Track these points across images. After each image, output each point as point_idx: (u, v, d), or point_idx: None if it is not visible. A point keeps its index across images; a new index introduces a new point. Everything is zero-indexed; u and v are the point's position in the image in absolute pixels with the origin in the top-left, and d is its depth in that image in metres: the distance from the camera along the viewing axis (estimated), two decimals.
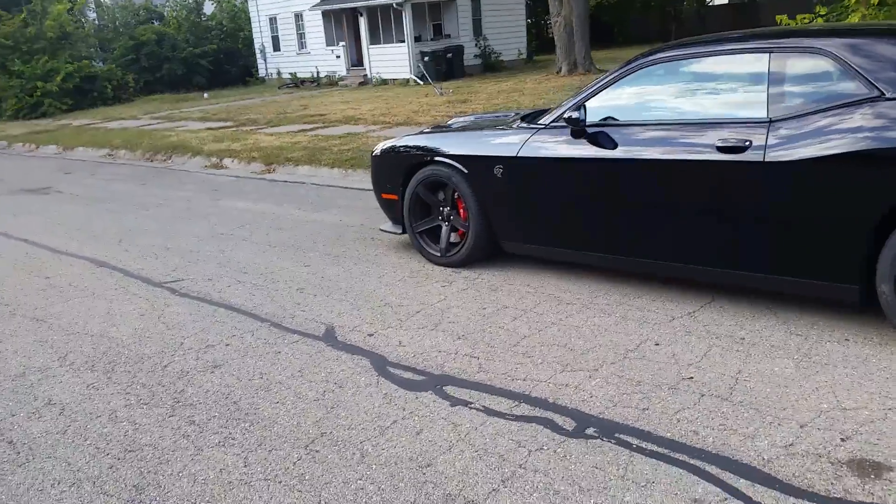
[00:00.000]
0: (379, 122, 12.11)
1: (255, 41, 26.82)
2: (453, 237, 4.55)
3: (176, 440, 2.70)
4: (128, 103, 22.68)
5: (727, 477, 2.19)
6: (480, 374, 3.05)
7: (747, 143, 3.14)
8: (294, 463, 2.49)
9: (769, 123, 3.12)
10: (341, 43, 23.62)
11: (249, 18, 27.21)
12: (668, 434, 2.46)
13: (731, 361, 2.95)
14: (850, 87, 2.98)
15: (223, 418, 2.84)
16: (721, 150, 3.21)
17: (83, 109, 21.75)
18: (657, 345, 3.18)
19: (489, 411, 2.73)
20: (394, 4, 21.17)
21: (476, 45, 23.31)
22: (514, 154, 4.03)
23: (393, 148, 4.80)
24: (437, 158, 4.40)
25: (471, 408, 2.77)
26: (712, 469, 2.24)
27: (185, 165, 10.44)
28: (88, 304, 4.33)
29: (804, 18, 8.54)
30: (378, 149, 4.97)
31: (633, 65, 3.72)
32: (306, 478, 2.39)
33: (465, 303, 3.90)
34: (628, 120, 3.67)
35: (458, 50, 22.01)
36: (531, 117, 4.36)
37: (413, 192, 4.56)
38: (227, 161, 10.07)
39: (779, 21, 8.81)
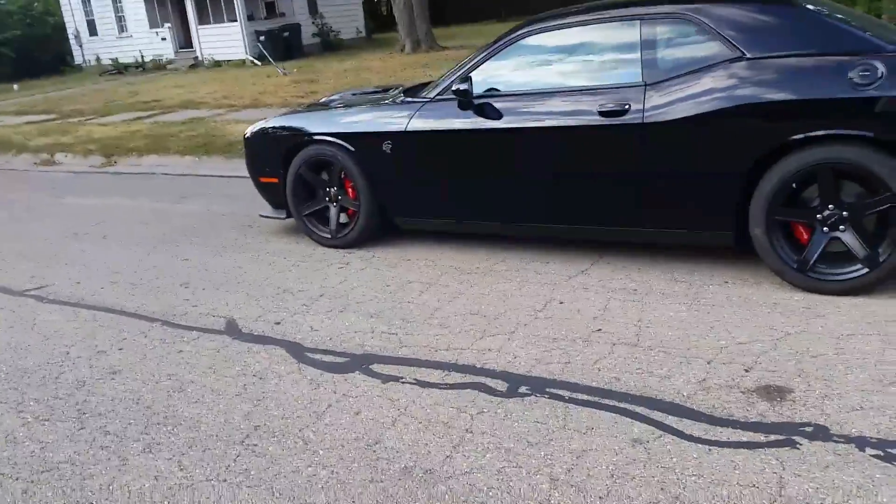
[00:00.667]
0: (223, 106, 11.50)
1: (68, 26, 24.12)
2: (342, 217, 4.46)
3: (94, 453, 2.45)
4: None
5: (656, 416, 2.40)
6: (403, 349, 3.06)
7: (626, 107, 3.35)
8: (234, 460, 2.36)
9: (645, 87, 3.33)
10: (167, 24, 21.94)
11: (58, 1, 24.41)
12: (594, 383, 2.64)
13: (630, 311, 3.20)
14: (715, 49, 3.22)
15: (140, 424, 2.62)
16: (602, 114, 3.40)
17: None
18: (561, 303, 3.37)
19: (422, 383, 2.76)
20: None
21: (313, 23, 22.69)
22: (402, 129, 4.00)
23: (267, 129, 4.60)
24: (318, 138, 4.29)
25: (403, 382, 2.78)
26: (641, 410, 2.44)
27: (9, 164, 9.26)
28: None
29: None
30: (250, 131, 4.75)
31: (512, 36, 3.81)
32: (252, 473, 2.29)
33: (367, 282, 3.87)
34: (512, 90, 3.75)
35: (296, 29, 21.30)
36: (413, 91, 4.37)
37: (296, 173, 4.41)
38: (59, 156, 9.09)
39: None
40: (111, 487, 2.27)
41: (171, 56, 21.79)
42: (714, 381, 2.57)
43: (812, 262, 3.13)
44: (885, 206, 2.96)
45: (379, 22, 30.08)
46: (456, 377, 2.78)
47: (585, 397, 2.55)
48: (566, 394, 2.58)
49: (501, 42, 3.85)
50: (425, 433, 2.42)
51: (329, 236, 4.46)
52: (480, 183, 3.90)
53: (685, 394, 2.51)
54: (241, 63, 20.12)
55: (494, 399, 2.60)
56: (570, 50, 3.72)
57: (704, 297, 3.28)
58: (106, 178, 7.73)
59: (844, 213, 3.06)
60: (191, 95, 13.21)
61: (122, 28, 23.00)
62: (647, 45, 3.39)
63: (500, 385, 2.69)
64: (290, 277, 4.05)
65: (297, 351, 3.13)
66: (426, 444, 2.37)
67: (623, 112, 3.35)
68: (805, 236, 3.19)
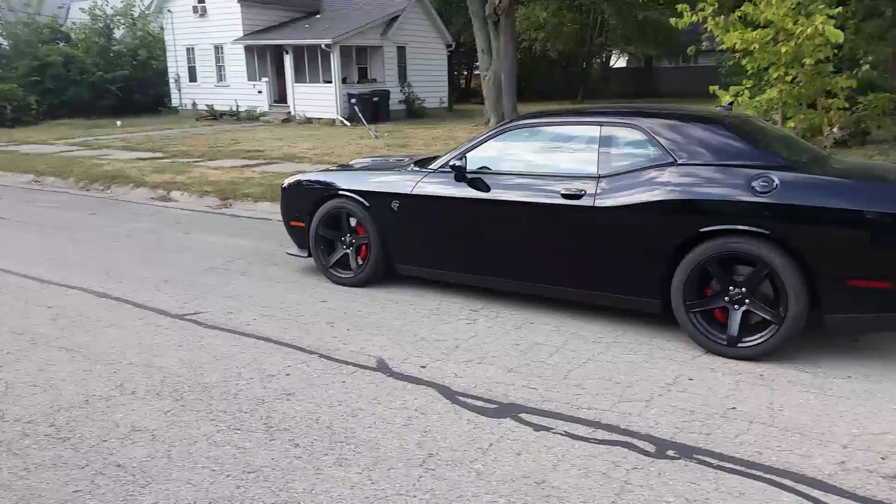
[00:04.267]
0: (324, 161, 12.25)
1: (170, 70, 26.18)
2: (358, 260, 5.30)
3: (290, 461, 2.82)
4: (31, 127, 21.41)
5: (803, 489, 2.64)
6: (546, 403, 3.38)
7: (583, 192, 4.20)
8: (418, 479, 2.69)
9: (598, 178, 4.19)
10: (264, 78, 23.56)
11: (164, 46, 26.59)
12: (737, 454, 2.89)
13: (761, 395, 3.45)
14: (654, 153, 4.10)
15: (325, 441, 2.99)
16: (564, 196, 4.26)
17: None
18: (691, 380, 3.64)
19: (572, 436, 3.06)
20: (322, 45, 21.55)
21: (401, 90, 24.03)
22: (408, 192, 4.91)
23: (302, 181, 5.60)
24: (341, 192, 5.22)
25: (554, 433, 3.09)
26: (787, 482, 2.68)
27: (127, 196, 10.12)
28: (113, 334, 4.27)
29: (737, 90, 9.76)
30: (287, 182, 5.74)
31: (504, 127, 4.77)
32: (437, 493, 2.61)
33: (496, 339, 4.22)
34: (498, 169, 4.64)
35: (385, 95, 22.61)
36: (422, 162, 5.25)
37: (319, 220, 5.34)
38: (175, 193, 9.89)
39: (711, 91, 9.99)
40: (314, 492, 2.63)
41: (265, 109, 23.28)
42: (853, 464, 2.79)
43: (737, 336, 3.84)
44: (764, 278, 3.76)
45: (457, 94, 31.54)
46: (602, 434, 3.08)
47: (732, 466, 2.80)
48: (713, 461, 2.84)
49: (495, 131, 4.79)
50: (586, 479, 2.71)
51: (351, 275, 5.29)
52: (466, 241, 4.78)
53: (827, 472, 2.74)
54: (332, 122, 21.38)
55: (645, 458, 2.87)
56: (546, 142, 4.68)
57: (830, 388, 3.51)
58: (224, 219, 8.41)
59: (744, 288, 3.83)
60: (291, 149, 14.14)
61: (220, 77, 24.79)
62: (604, 144, 4.27)
63: (648, 446, 2.97)
64: (423, 327, 4.44)
65: (448, 393, 3.48)
66: (590, 488, 2.65)
67: (580, 196, 4.22)
68: (718, 314, 3.95)
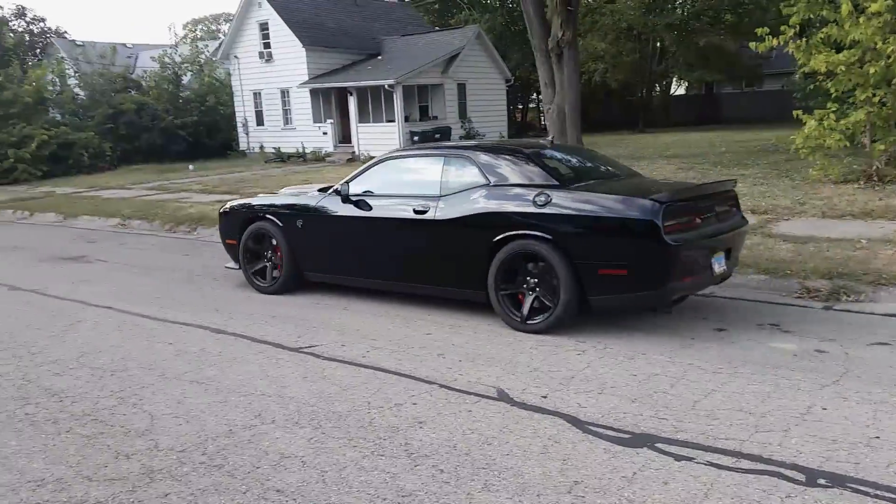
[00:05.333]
0: None
1: (238, 115, 27.37)
2: (275, 273, 6.54)
3: (439, 486, 2.93)
4: (107, 172, 22.62)
5: None
6: (680, 433, 3.40)
7: (427, 208, 5.48)
8: None
9: (439, 198, 5.48)
10: (329, 120, 24.38)
11: (230, 92, 27.87)
12: (893, 483, 2.85)
13: None
14: (478, 178, 5.38)
15: (468, 467, 3.09)
16: (416, 212, 5.54)
17: (58, 177, 21.58)
18: (824, 409, 3.60)
19: (717, 465, 3.07)
20: (385, 86, 22.21)
21: (462, 126, 24.50)
22: (308, 212, 6.23)
23: (234, 206, 6.95)
24: (260, 215, 6.55)
25: (697, 462, 3.11)
26: None
27: (213, 237, 10.58)
28: (239, 367, 4.51)
29: (822, 114, 9.68)
30: (222, 209, 7.09)
31: (378, 160, 6.14)
32: None
33: (611, 370, 4.26)
34: (373, 192, 5.93)
35: (446, 131, 23.10)
36: (323, 189, 6.41)
37: (246, 238, 6.65)
38: None
39: (795, 116, 9.96)
40: None
41: (330, 149, 24.05)
42: None
43: (526, 316, 5.07)
44: (547, 271, 4.94)
45: (514, 128, 31.88)
46: (747, 463, 3.08)
47: (890, 495, 2.77)
48: (869, 490, 2.81)
49: (371, 163, 6.13)
50: None
51: (265, 285, 6.58)
52: (352, 250, 6.07)
53: None
54: None
55: (797, 487, 2.87)
56: (407, 171, 5.99)
57: None
58: None
59: (535, 279, 5.05)
60: None
61: (287, 120, 25.78)
62: (445, 172, 5.57)
63: (797, 475, 2.96)
64: (534, 358, 4.52)
65: (577, 422, 3.54)
66: None
67: (426, 212, 5.50)
68: (521, 298, 5.14)
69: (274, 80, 25.54)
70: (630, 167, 6.34)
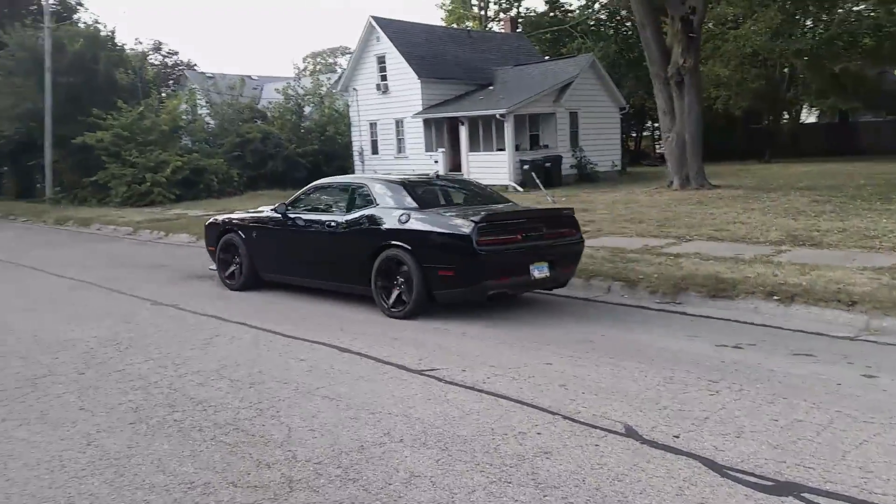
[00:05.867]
0: None
1: (354, 144, 28.60)
2: (239, 273, 8.54)
3: None
4: (234, 197, 24.12)
5: None
6: (829, 484, 3.21)
7: (335, 224, 7.38)
8: None
9: (345, 214, 7.32)
10: (440, 149, 24.94)
11: (348, 122, 29.20)
12: None
13: None
14: (371, 201, 7.18)
15: (599, 502, 3.06)
16: (328, 226, 7.44)
17: (189, 200, 23.26)
18: None
19: None
20: (496, 115, 22.47)
21: (573, 155, 24.34)
22: (260, 225, 8.30)
23: (212, 222, 9.16)
24: (229, 228, 8.65)
25: None
26: None
27: None
28: (366, 386, 4.69)
29: None
30: (206, 222, 9.34)
31: (307, 187, 8.27)
32: None
33: (749, 413, 4.08)
34: (303, 211, 7.91)
35: (557, 160, 22.97)
36: (273, 208, 8.25)
37: (220, 247, 8.74)
38: None
39: None
40: None
41: None
42: None
43: (391, 305, 6.75)
44: (405, 275, 6.65)
45: (628, 157, 31.32)
46: None
47: None
48: None
49: (304, 189, 8.25)
50: None
51: (231, 283, 8.61)
52: (289, 256, 8.08)
53: None
54: (504, 188, 22.06)
55: None
56: (326, 195, 8.02)
57: None
58: None
59: (402, 279, 6.67)
60: None
61: (400, 149, 26.69)
62: (351, 198, 7.49)
63: None
64: (662, 395, 4.41)
65: (714, 466, 3.42)
66: None
67: (335, 226, 7.38)
68: (392, 292, 6.80)
69: (389, 110, 26.57)
70: (499, 194, 8.47)
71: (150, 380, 4.98)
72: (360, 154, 28.32)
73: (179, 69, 47.79)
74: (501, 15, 43.08)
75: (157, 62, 42.50)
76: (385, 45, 26.10)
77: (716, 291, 6.94)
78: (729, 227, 10.85)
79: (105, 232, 17.35)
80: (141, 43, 38.14)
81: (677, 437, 3.77)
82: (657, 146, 42.95)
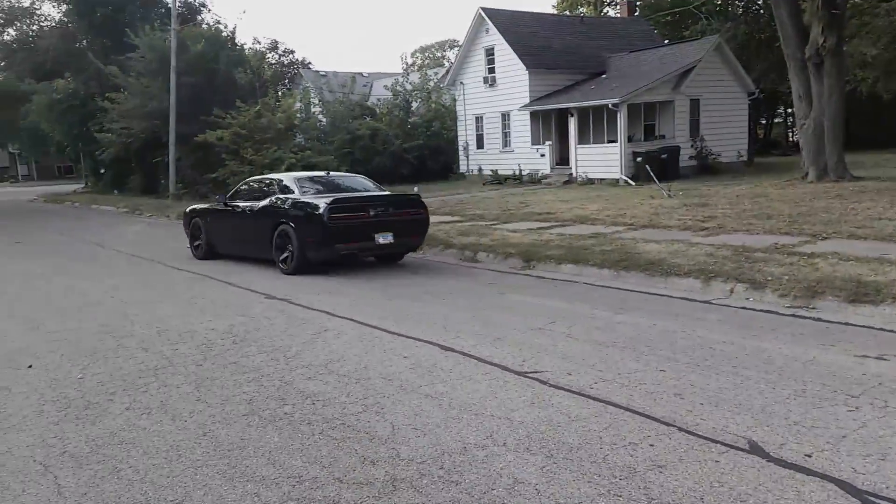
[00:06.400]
0: (619, 224, 12.29)
1: (460, 138, 28.83)
2: (202, 247, 12.04)
3: None
4: None
5: None
6: None
7: (252, 209, 10.78)
8: None
9: (259, 202, 10.66)
10: (547, 142, 24.69)
11: (454, 117, 29.44)
12: None
13: None
14: (274, 191, 10.65)
15: None
16: (250, 210, 10.79)
17: None
18: None
19: None
20: (609, 105, 21.87)
21: (692, 145, 23.33)
22: (213, 211, 11.77)
23: (186, 210, 12.85)
24: (195, 214, 12.31)
25: None
26: None
27: (437, 257, 11.23)
28: (468, 386, 4.71)
29: None
30: (185, 210, 13.22)
31: (243, 182, 12.02)
32: None
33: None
34: (238, 200, 11.31)
35: (674, 151, 22.11)
36: (217, 198, 11.89)
37: (190, 227, 12.32)
38: (480, 255, 10.70)
39: None
40: None
41: (547, 171, 24.36)
42: None
43: (282, 262, 9.96)
44: (291, 243, 9.87)
45: (757, 146, 29.60)
46: None
47: None
48: None
49: (240, 184, 12.06)
50: None
51: (196, 253, 12.14)
52: (231, 234, 11.36)
53: None
54: (615, 182, 21.51)
55: None
56: (254, 188, 11.27)
57: None
58: (530, 279, 8.88)
59: (291, 246, 9.83)
60: (580, 211, 14.48)
61: (505, 143, 26.65)
62: (271, 187, 10.77)
63: None
64: (791, 409, 4.13)
65: (853, 491, 3.17)
66: None
67: (253, 210, 10.65)
68: (284, 255, 9.97)
69: (496, 103, 26.59)
70: (376, 184, 11.58)
71: (263, 372, 5.24)
72: (465, 149, 28.52)
73: (295, 68, 49.95)
74: None
75: (273, 61, 44.63)
76: (494, 37, 26.11)
77: (856, 296, 6.44)
78: (873, 223, 10.05)
79: None
80: (259, 42, 40.21)
81: (809, 456, 3.52)
82: (791, 134, 40.39)
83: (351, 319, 6.85)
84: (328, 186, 10.60)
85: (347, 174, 12.83)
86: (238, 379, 5.10)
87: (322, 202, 9.47)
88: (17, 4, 37.42)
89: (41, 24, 38.58)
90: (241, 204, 10.97)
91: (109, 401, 4.75)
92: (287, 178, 10.89)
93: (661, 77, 22.81)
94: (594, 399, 4.41)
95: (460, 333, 6.11)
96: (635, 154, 21.61)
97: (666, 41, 31.24)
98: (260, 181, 11.36)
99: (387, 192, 11.46)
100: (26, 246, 15.45)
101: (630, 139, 22.30)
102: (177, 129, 26.76)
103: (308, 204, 9.73)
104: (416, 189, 24.67)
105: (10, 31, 37.77)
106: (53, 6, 38.33)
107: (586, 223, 12.90)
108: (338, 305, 7.55)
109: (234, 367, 5.41)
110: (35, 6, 37.85)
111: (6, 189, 52.99)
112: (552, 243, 10.70)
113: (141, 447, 3.95)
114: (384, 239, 9.63)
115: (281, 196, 10.29)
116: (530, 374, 4.93)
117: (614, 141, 22.23)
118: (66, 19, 37.30)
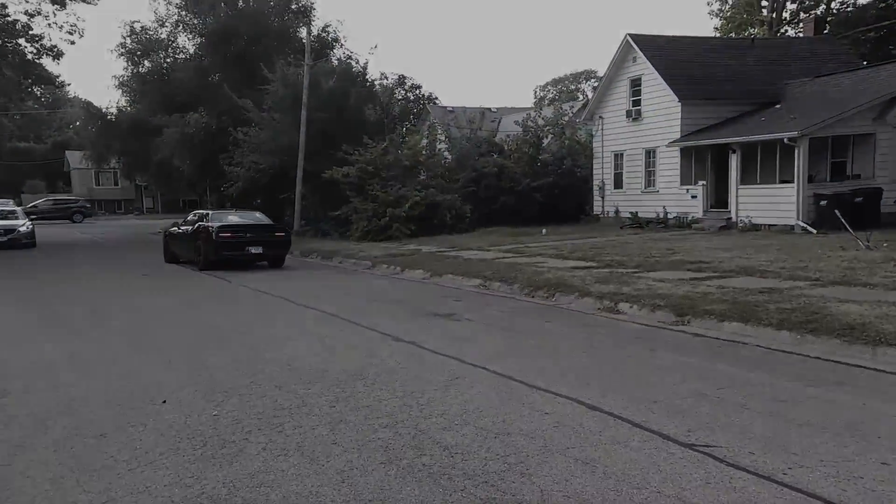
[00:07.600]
0: (800, 278, 11.27)
1: (595, 177, 28.54)
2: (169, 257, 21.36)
3: None
4: (465, 233, 25.21)
5: None
6: None
7: (189, 231, 20.42)
8: None
9: (193, 226, 19.74)
10: (700, 182, 23.68)
11: (588, 153, 29.18)
12: None
13: None
14: (204, 219, 19.30)
15: None
16: (186, 233, 20.09)
17: (423, 236, 24.80)
18: None
19: None
20: (784, 139, 20.16)
21: None
22: (171, 233, 21.23)
23: (166, 230, 22.30)
24: (166, 234, 21.98)
25: None
26: None
27: (572, 305, 11.06)
28: (624, 454, 4.56)
29: None
30: (165, 230, 22.85)
31: (190, 213, 21.51)
32: None
33: None
34: (183, 225, 21.00)
35: (873, 193, 19.82)
36: (174, 223, 22.75)
37: (164, 243, 21.86)
38: (622, 305, 10.40)
39: None
40: None
41: (699, 215, 23.37)
42: None
43: (199, 264, 18.82)
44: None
45: None
46: None
47: None
48: None
49: (188, 215, 21.90)
50: None
51: (166, 258, 21.25)
52: (181, 246, 20.21)
53: None
54: (788, 229, 20.01)
55: None
56: (194, 217, 20.37)
57: None
58: (684, 336, 8.49)
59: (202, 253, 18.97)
60: (744, 261, 13.65)
61: (649, 183, 26.01)
62: (199, 218, 19.74)
63: None
64: None
65: None
66: None
67: (189, 231, 19.66)
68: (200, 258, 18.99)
69: (639, 139, 26.14)
70: (272, 223, 20.00)
71: (397, 418, 5.33)
72: (601, 188, 28.17)
73: (421, 103, 51.67)
74: (801, 15, 39.02)
75: (399, 96, 46.43)
76: (642, 66, 25.75)
77: None
78: None
79: (345, 265, 19.19)
80: (387, 78, 41.96)
81: None
82: None
83: (484, 368, 6.84)
84: (228, 218, 19.17)
85: (248, 212, 21.49)
86: (372, 423, 5.19)
87: (213, 225, 17.86)
88: (154, 37, 41.01)
89: (175, 56, 42.03)
90: (185, 229, 19.56)
91: (245, 440, 4.97)
92: (211, 212, 20.26)
93: (857, 105, 20.79)
94: (790, 488, 4.06)
95: (607, 392, 5.94)
96: (818, 196, 19.65)
97: (864, 62, 29.05)
98: (198, 213, 20.17)
99: (264, 223, 19.53)
100: (152, 280, 16.85)
101: (811, 179, 20.54)
102: (304, 164, 28.25)
103: (211, 228, 17.83)
104: (543, 232, 24.67)
105: (146, 62, 41.17)
106: (189, 38, 41.22)
107: (754, 275, 12.06)
108: (466, 353, 7.58)
109: (368, 410, 5.52)
110: (170, 39, 41.22)
111: (131, 221, 57.85)
112: (711, 296, 10.20)
113: (280, 490, 4.09)
114: (255, 250, 17.97)
115: (202, 223, 18.57)
116: (700, 448, 4.66)
117: (789, 181, 20.56)
118: (199, 52, 40.55)
